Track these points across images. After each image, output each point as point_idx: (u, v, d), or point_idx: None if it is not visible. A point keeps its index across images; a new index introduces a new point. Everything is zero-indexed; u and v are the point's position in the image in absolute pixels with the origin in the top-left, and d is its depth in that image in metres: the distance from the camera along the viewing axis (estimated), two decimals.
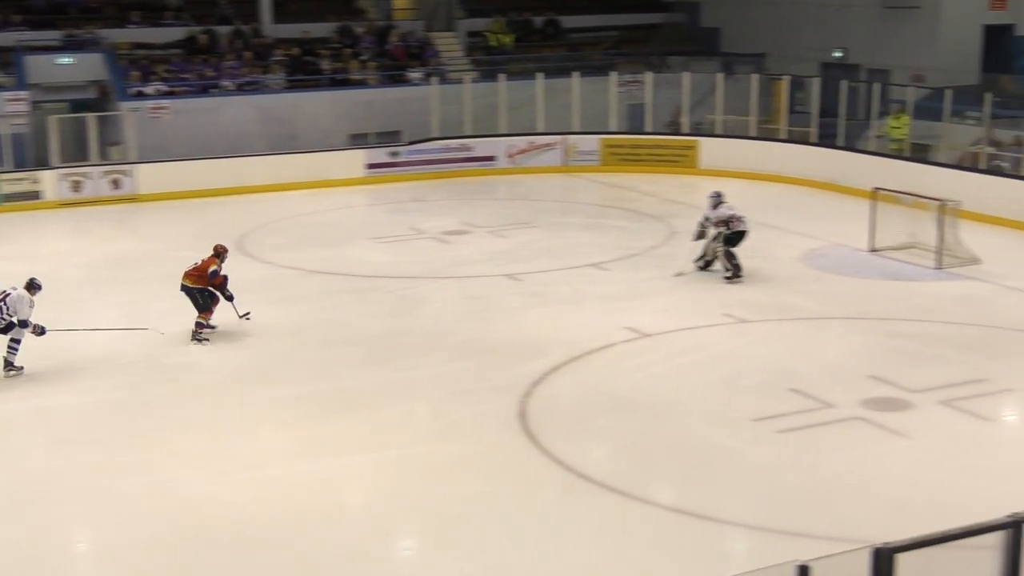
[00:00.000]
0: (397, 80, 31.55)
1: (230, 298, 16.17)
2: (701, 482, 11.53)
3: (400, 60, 32.41)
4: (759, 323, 16.63)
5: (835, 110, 26.79)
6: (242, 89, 30.15)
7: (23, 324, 14.57)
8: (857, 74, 29.93)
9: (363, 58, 32.02)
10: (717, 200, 19.01)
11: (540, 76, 29.17)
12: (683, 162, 28.51)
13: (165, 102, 28.57)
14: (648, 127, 29.50)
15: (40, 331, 14.71)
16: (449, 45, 33.91)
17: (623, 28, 36.65)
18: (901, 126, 25.69)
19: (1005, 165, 23.81)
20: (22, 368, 14.77)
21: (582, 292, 18.27)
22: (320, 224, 23.97)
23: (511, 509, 11.00)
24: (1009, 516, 6.61)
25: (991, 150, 23.95)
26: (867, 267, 19.40)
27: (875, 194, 20.31)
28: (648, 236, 22.07)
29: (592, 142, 29.18)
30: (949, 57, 28.68)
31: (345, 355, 15.53)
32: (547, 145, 29.13)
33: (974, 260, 19.15)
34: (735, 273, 18.65)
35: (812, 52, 31.47)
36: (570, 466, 11.81)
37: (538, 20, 36.05)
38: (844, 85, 26.81)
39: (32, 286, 14.85)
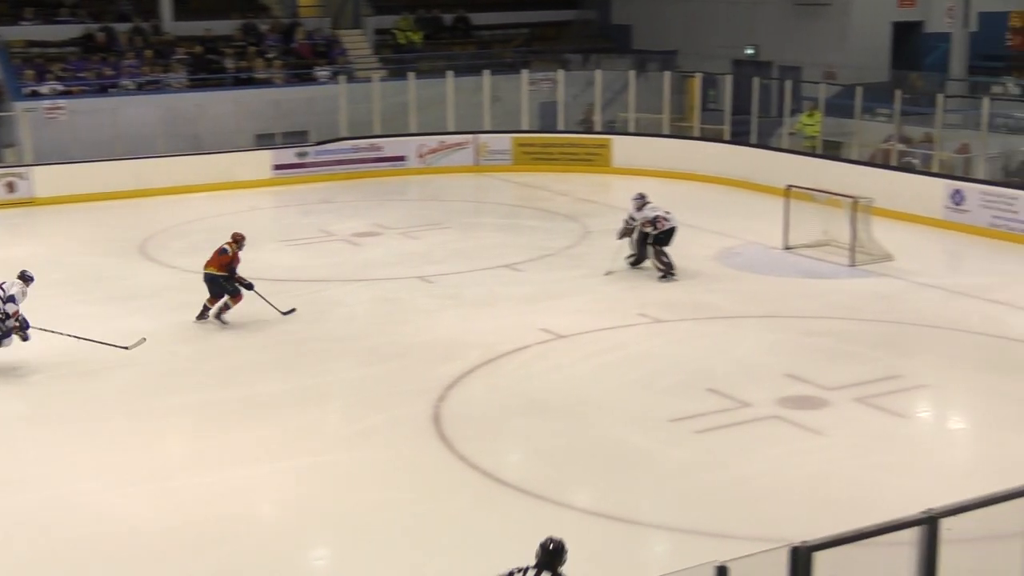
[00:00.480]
0: (304, 79, 31.08)
1: (249, 287, 16.34)
2: (619, 484, 11.47)
3: (307, 58, 31.93)
4: (675, 323, 16.59)
5: (747, 107, 26.87)
6: (143, 88, 29.48)
7: (9, 300, 14.37)
8: (769, 71, 30.07)
9: (269, 56, 31.49)
10: (641, 201, 18.95)
11: (450, 74, 28.91)
12: (596, 161, 28.42)
13: (62, 102, 27.72)
14: (560, 126, 29.38)
15: (22, 325, 14.53)
16: (357, 43, 33.52)
17: (534, 25, 36.53)
18: (814, 123, 25.83)
19: (915, 162, 24.03)
20: None
21: (496, 293, 18.13)
22: (226, 227, 22.83)
23: (426, 516, 10.86)
24: (924, 512, 6.62)
25: (902, 147, 24.14)
26: (781, 265, 19.44)
27: (788, 192, 20.35)
28: (562, 236, 21.97)
29: (504, 141, 28.99)
30: (859, 54, 28.91)
31: (254, 361, 15.23)
32: (458, 144, 28.89)
33: (887, 257, 19.27)
34: (668, 271, 18.60)
35: (724, 49, 31.58)
36: (485, 470, 11.72)
37: (448, 17, 35.78)
38: (756, 82, 26.90)
39: (24, 277, 14.78)
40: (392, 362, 15.02)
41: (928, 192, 22.39)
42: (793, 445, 12.34)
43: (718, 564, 6.18)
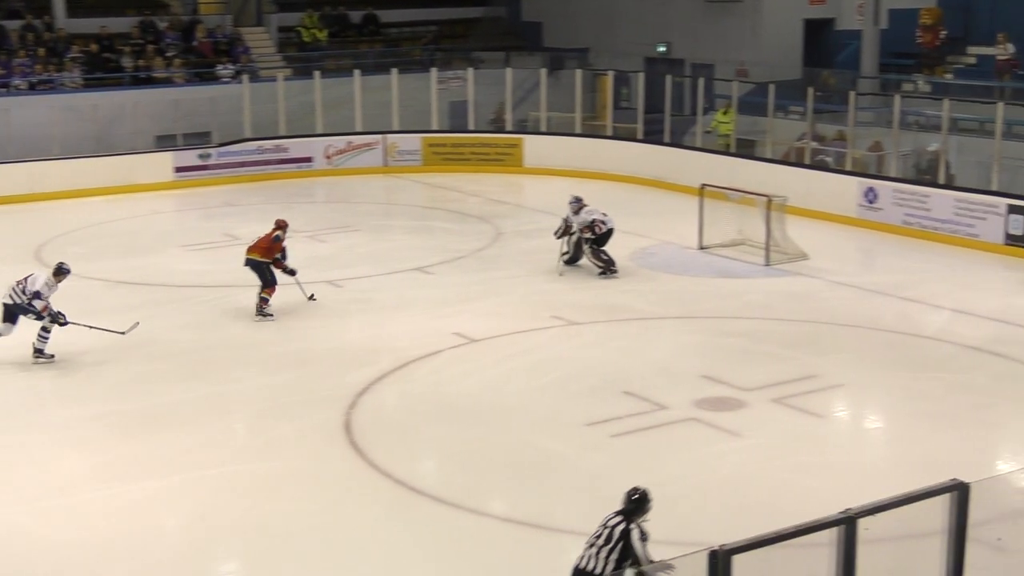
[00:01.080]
0: (205, 78, 30.43)
1: (293, 273, 16.93)
2: (534, 490, 11.37)
3: (208, 57, 31.26)
4: (589, 325, 16.45)
5: (660, 106, 26.84)
6: (36, 88, 28.64)
7: (36, 296, 14.62)
8: (681, 69, 30.11)
9: (168, 55, 30.77)
10: (578, 205, 18.82)
11: (357, 73, 28.49)
12: (508, 161, 28.19)
13: None
14: (471, 125, 29.09)
15: (54, 317, 14.78)
16: (260, 41, 32.96)
17: (442, 23, 36.27)
18: (728, 121, 25.86)
19: (829, 160, 24.13)
20: (53, 356, 14.87)
21: (407, 297, 17.86)
22: (126, 232, 22.97)
23: (339, 526, 10.65)
24: (842, 512, 6.66)
25: (815, 145, 24.22)
26: (696, 265, 19.35)
27: (703, 191, 20.27)
28: (474, 238, 21.75)
29: (413, 141, 28.65)
30: (772, 52, 29.02)
31: (157, 371, 14.79)
32: (366, 145, 28.48)
33: (802, 256, 19.27)
34: (607, 268, 18.54)
35: (636, 46, 31.52)
36: (399, 479, 11.54)
37: (354, 15, 35.30)
38: (669, 80, 26.88)
39: (60, 271, 15.07)
40: (301, 369, 14.71)
41: (841, 190, 22.48)
42: (710, 447, 12.31)
43: (637, 571, 6.18)
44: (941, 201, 21.05)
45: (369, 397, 13.63)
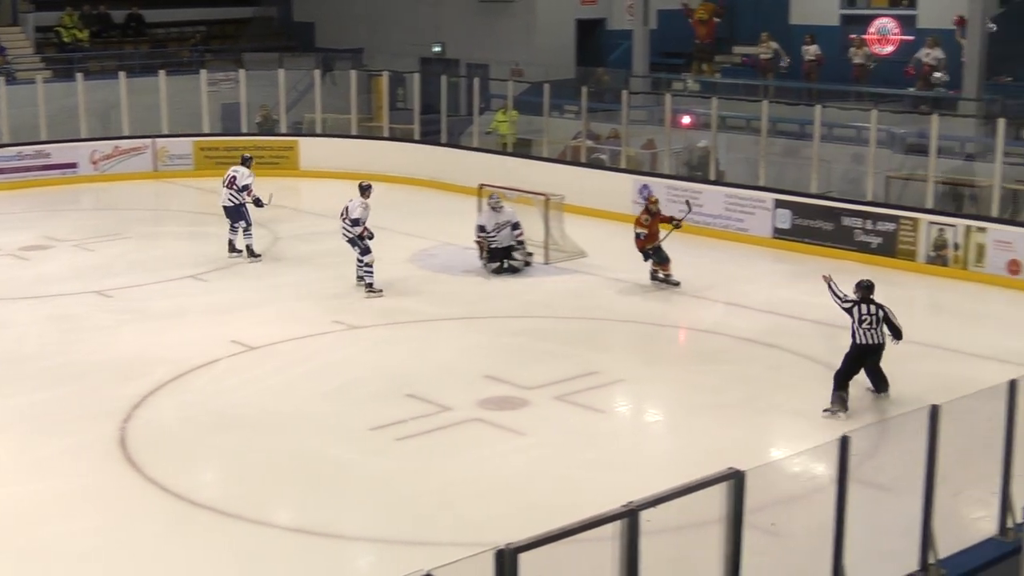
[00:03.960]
0: None
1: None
2: (319, 498, 11.23)
3: None
4: (371, 328, 16.32)
5: (436, 106, 26.83)
6: None
7: (355, 223, 17.49)
8: (456, 69, 30.14)
9: None
10: (496, 203, 18.94)
11: (123, 75, 27.54)
12: (283, 164, 27.68)
13: None
14: (244, 128, 28.45)
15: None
16: (16, 41, 31.48)
17: (211, 23, 35.38)
18: (507, 120, 25.98)
19: (603, 158, 24.53)
20: (382, 291, 17.40)
21: (182, 305, 17.38)
22: None
23: (117, 546, 10.32)
24: (624, 505, 6.71)
25: (590, 143, 24.59)
26: (477, 265, 19.31)
27: (481, 190, 20.32)
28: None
29: (184, 145, 27.82)
30: (545, 52, 29.29)
31: None
32: (135, 150, 27.52)
33: (580, 254, 19.51)
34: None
35: (410, 47, 31.35)
36: (179, 493, 11.24)
37: (117, 14, 33.98)
38: (444, 81, 26.87)
39: (362, 188, 17.73)
40: (71, 384, 14.13)
41: (617, 188, 22.87)
42: (495, 447, 12.38)
43: (423, 573, 6.06)
44: (712, 197, 21.67)
45: (145, 410, 13.20)
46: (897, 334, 13.02)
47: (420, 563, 6.38)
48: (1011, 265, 18.22)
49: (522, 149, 25.63)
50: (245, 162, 19.70)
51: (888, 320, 12.93)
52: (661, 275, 18.09)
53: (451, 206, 23.72)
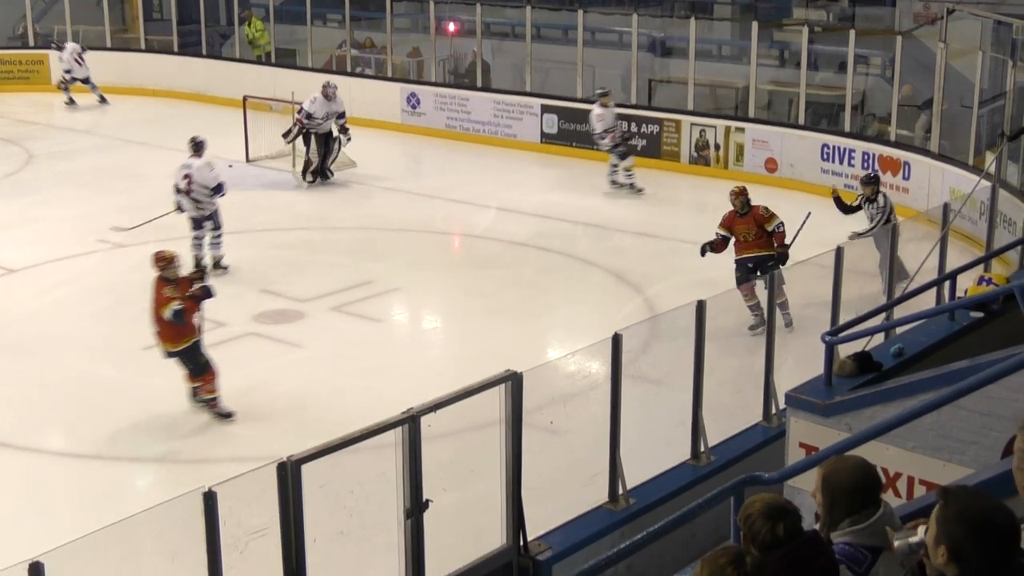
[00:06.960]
0: None
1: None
2: (93, 421, 10.91)
3: None
4: (137, 247, 15.64)
5: (195, 17, 25.97)
6: None
7: (217, 191, 14.74)
8: None
9: None
10: (333, 91, 18.68)
11: None
12: (34, 78, 26.42)
13: None
14: None
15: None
16: None
17: None
18: (259, 32, 25.33)
19: (369, 68, 24.22)
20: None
21: None
22: None
23: None
24: (404, 412, 6.85)
25: (355, 53, 24.25)
26: (245, 179, 18.89)
27: (245, 103, 19.87)
28: (2, 162, 20.26)
29: None
30: None
31: None
32: None
33: (350, 164, 19.30)
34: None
35: None
36: None
37: None
38: None
39: (197, 145, 15.09)
40: None
41: (385, 97, 22.74)
42: (273, 360, 12.27)
43: (205, 489, 6.01)
44: (480, 104, 21.75)
45: None
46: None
47: (201, 480, 6.35)
48: (768, 163, 18.94)
49: (285, 59, 25.10)
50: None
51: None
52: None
53: (215, 119, 22.88)
